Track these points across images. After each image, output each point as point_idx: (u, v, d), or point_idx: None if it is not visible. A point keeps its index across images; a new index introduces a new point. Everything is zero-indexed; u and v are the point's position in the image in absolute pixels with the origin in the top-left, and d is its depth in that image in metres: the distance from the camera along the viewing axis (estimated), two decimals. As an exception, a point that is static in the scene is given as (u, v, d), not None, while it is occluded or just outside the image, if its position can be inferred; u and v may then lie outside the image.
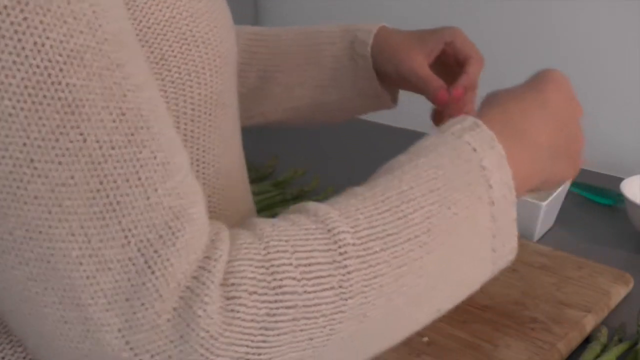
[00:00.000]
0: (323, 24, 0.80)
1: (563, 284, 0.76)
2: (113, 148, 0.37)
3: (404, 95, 1.48)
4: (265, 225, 0.43)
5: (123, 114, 0.37)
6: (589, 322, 0.70)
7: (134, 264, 0.37)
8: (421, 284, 0.45)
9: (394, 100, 0.82)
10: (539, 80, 0.61)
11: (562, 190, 0.91)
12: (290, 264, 0.41)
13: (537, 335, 0.67)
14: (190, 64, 0.46)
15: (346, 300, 0.42)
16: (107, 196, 0.36)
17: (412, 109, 1.48)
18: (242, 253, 0.41)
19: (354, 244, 0.42)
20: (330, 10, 1.52)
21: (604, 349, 0.67)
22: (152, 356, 0.37)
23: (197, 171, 0.49)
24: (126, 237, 0.37)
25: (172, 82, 0.46)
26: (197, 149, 0.49)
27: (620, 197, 0.96)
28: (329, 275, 0.41)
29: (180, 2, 0.46)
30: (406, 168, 0.49)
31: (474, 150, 0.48)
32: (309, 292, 0.40)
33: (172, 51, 0.45)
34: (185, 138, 0.47)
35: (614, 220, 0.96)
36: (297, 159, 1.18)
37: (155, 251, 0.37)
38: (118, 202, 0.37)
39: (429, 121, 1.44)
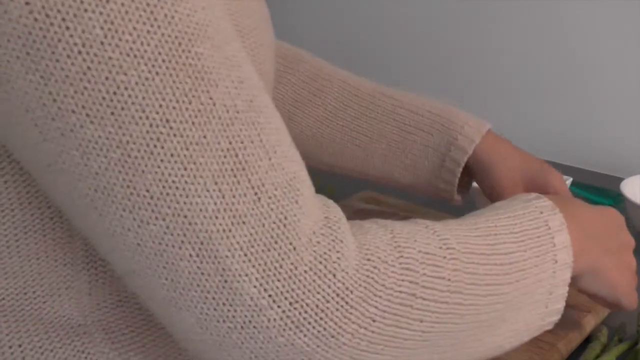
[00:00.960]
0: (422, 100, 0.78)
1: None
2: (238, 112, 0.40)
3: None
4: (383, 221, 0.48)
5: (241, 82, 0.41)
6: (589, 322, 0.70)
7: (266, 219, 0.40)
8: (499, 311, 0.50)
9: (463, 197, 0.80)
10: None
11: (562, 190, 0.91)
12: (413, 248, 0.46)
13: (537, 335, 0.67)
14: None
15: (451, 293, 0.47)
16: (237, 155, 0.40)
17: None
18: (371, 231, 0.46)
19: (456, 248, 0.48)
20: (331, 11, 1.52)
21: (604, 349, 0.67)
22: (290, 303, 0.40)
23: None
24: (256, 193, 0.40)
25: None
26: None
27: (620, 197, 0.96)
28: (442, 267, 0.46)
29: (231, 15, 0.47)
30: (490, 214, 0.54)
31: (543, 215, 0.55)
32: (427, 275, 0.45)
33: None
34: None
35: (614, 220, 0.96)
36: (297, 159, 1.18)
37: (283, 207, 0.41)
38: (246, 161, 0.40)
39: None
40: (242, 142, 0.40)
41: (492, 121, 1.31)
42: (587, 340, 0.69)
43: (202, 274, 0.40)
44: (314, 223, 0.42)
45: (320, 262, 0.41)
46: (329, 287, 0.41)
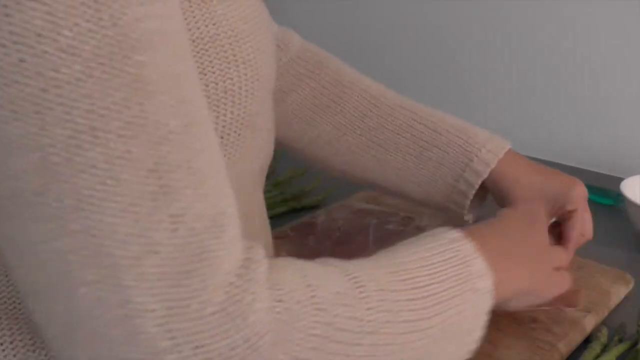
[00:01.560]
0: (442, 116, 0.79)
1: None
2: (171, 132, 0.37)
3: (403, 96, 1.48)
4: (295, 259, 0.46)
5: (181, 103, 0.38)
6: (589, 322, 0.70)
7: (181, 251, 0.37)
8: (424, 346, 0.48)
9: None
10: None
11: (562, 190, 0.91)
12: (326, 288, 0.43)
13: (537, 335, 0.67)
14: (227, 82, 0.47)
15: (366, 334, 0.44)
16: (161, 178, 0.37)
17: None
18: (283, 269, 0.43)
19: (368, 287, 0.46)
20: (330, 11, 1.52)
21: (604, 349, 0.67)
22: (194, 347, 0.37)
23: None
24: (175, 222, 0.37)
25: (208, 98, 0.46)
26: (226, 167, 0.50)
27: (620, 197, 0.96)
28: (354, 306, 0.44)
29: (226, 21, 0.47)
30: (399, 250, 0.53)
31: (455, 246, 0.54)
32: (340, 316, 0.43)
33: (212, 67, 0.46)
34: None
35: (614, 220, 0.96)
36: (297, 159, 1.18)
37: (202, 241, 0.38)
38: (170, 187, 0.37)
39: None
40: (169, 165, 0.37)
41: (492, 121, 1.31)
42: (587, 340, 0.69)
43: (102, 303, 0.36)
44: (233, 262, 0.39)
45: (232, 304, 0.38)
46: (238, 332, 0.38)
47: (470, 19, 1.30)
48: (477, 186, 0.72)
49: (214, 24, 0.46)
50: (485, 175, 0.72)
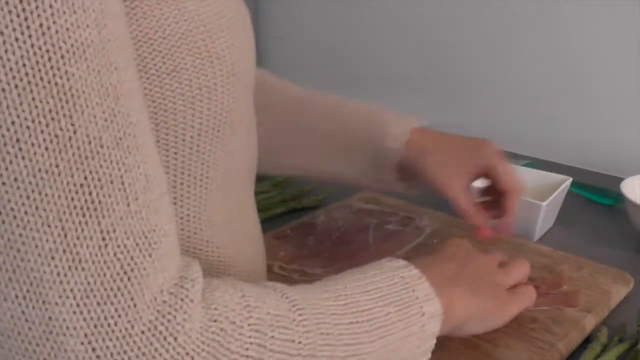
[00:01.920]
0: (351, 101, 0.80)
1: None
2: (102, 147, 0.36)
3: (403, 96, 1.49)
4: (233, 280, 0.46)
5: (114, 116, 0.37)
6: (589, 322, 0.70)
7: (108, 268, 0.36)
8: None
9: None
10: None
11: (562, 190, 0.91)
12: (263, 309, 0.43)
13: (537, 335, 0.67)
14: (202, 78, 0.47)
15: (303, 357, 0.44)
16: (90, 193, 0.36)
17: (411, 109, 1.47)
18: (220, 288, 0.42)
19: (306, 309, 0.46)
20: (330, 11, 1.52)
21: (604, 349, 0.67)
22: None
23: (201, 186, 0.50)
24: (104, 238, 0.36)
25: (182, 95, 0.46)
26: (202, 164, 0.49)
27: (620, 197, 0.96)
28: (292, 329, 0.44)
29: (198, 17, 0.46)
30: (340, 278, 0.53)
31: (399, 272, 0.55)
32: (276, 338, 0.42)
33: (185, 64, 0.46)
34: (190, 152, 0.48)
35: (614, 220, 0.96)
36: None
37: (132, 258, 0.37)
38: (100, 202, 0.36)
39: (427, 121, 1.44)
40: (99, 180, 0.36)
41: (492, 121, 1.31)
42: (587, 340, 0.69)
43: (26, 320, 0.36)
44: (165, 281, 0.39)
45: (162, 323, 0.37)
46: (167, 351, 0.37)
47: (471, 19, 1.30)
48: (395, 162, 0.75)
49: (185, 20, 0.45)
50: (402, 150, 0.74)
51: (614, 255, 0.86)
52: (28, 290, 0.35)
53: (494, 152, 0.75)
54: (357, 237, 0.87)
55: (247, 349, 0.41)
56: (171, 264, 0.40)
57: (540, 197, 0.89)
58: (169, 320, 0.38)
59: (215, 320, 0.40)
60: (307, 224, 0.91)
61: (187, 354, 0.38)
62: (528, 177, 0.95)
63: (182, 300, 0.39)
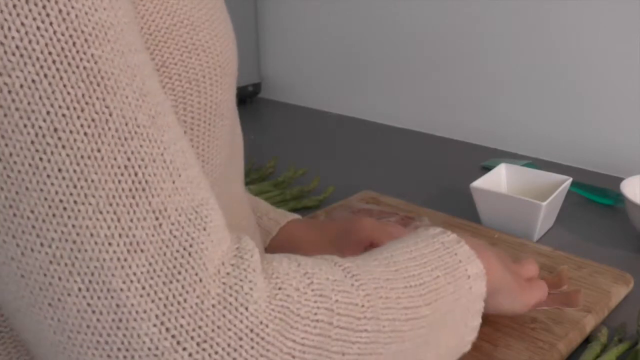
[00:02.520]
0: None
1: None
2: (138, 126, 0.36)
3: (403, 96, 1.49)
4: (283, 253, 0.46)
5: (145, 95, 0.37)
6: (589, 322, 0.70)
7: (167, 246, 0.36)
8: (422, 336, 0.48)
9: None
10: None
11: (562, 190, 0.91)
12: (321, 275, 0.43)
13: (537, 335, 0.67)
14: (190, 72, 0.47)
15: (368, 319, 0.44)
16: (136, 174, 0.36)
17: (411, 109, 1.48)
18: (275, 259, 0.43)
19: (361, 275, 0.46)
20: (329, 11, 1.52)
21: (604, 349, 0.67)
22: (198, 344, 0.36)
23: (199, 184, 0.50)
24: (157, 218, 0.36)
25: (173, 90, 0.46)
26: (202, 160, 0.49)
27: (620, 197, 0.96)
28: (352, 293, 0.44)
29: (180, 10, 0.46)
30: (383, 248, 0.53)
31: (437, 239, 0.55)
32: (340, 302, 0.42)
33: (173, 59, 0.46)
34: None
35: (614, 220, 0.96)
36: (297, 159, 1.18)
37: (188, 234, 0.37)
38: (147, 181, 0.36)
39: (428, 121, 1.45)
40: (142, 160, 0.36)
41: (492, 121, 1.31)
42: (587, 340, 0.69)
43: (93, 311, 0.35)
44: (224, 252, 0.39)
45: (231, 295, 0.37)
46: (242, 322, 0.37)
47: (471, 19, 1.30)
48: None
49: (168, 15, 0.45)
50: (265, 245, 0.72)
51: (614, 255, 0.86)
52: (90, 281, 0.35)
53: (370, 225, 0.73)
54: (357, 237, 0.87)
55: (315, 314, 0.40)
56: (225, 236, 0.40)
57: (540, 197, 0.89)
58: (237, 291, 0.37)
59: (280, 288, 0.40)
60: (307, 224, 0.91)
61: (261, 322, 0.38)
62: (528, 177, 0.96)
63: (245, 270, 0.38)
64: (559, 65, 1.21)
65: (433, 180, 1.12)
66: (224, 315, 0.37)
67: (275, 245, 0.72)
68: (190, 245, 0.37)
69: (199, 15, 0.48)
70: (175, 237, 0.36)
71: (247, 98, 1.60)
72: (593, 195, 1.03)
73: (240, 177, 0.60)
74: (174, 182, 0.37)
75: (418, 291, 0.49)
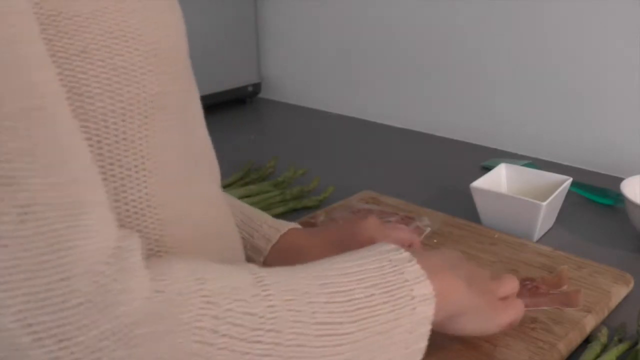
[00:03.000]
0: (232, 198, 0.76)
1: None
2: (6, 119, 0.35)
3: (403, 96, 1.49)
4: (193, 257, 0.45)
5: (22, 87, 0.36)
6: (589, 322, 0.70)
7: (32, 242, 0.36)
8: (344, 353, 0.47)
9: None
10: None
11: (562, 190, 0.91)
12: (219, 281, 0.42)
13: (537, 335, 0.67)
14: (117, 58, 0.45)
15: (266, 331, 0.43)
16: (2, 168, 0.35)
17: (411, 109, 1.48)
18: (171, 261, 0.42)
19: (274, 285, 0.45)
20: (329, 11, 1.52)
21: (604, 349, 0.67)
22: (59, 341, 0.35)
23: (137, 179, 0.47)
24: (24, 213, 0.35)
25: (96, 77, 0.44)
26: (134, 153, 0.47)
27: (620, 197, 0.96)
28: (252, 302, 0.43)
29: None
30: (321, 261, 0.52)
31: (387, 255, 0.53)
32: (233, 310, 0.42)
33: (96, 44, 0.44)
34: (117, 139, 0.46)
35: (614, 220, 0.96)
36: (297, 159, 1.18)
37: (56, 230, 0.36)
38: (13, 177, 0.35)
39: (428, 121, 1.45)
40: (9, 154, 0.35)
41: (492, 121, 1.31)
42: (587, 340, 0.69)
43: None
44: (99, 251, 0.38)
45: (100, 294, 0.37)
46: (109, 322, 0.36)
47: (471, 19, 1.30)
48: (260, 264, 0.70)
49: (91, 0, 0.44)
50: (265, 253, 0.70)
51: (614, 255, 0.86)
52: None
53: (373, 225, 0.71)
54: (357, 237, 0.87)
55: (199, 320, 0.40)
56: (104, 234, 0.39)
57: (540, 197, 0.89)
58: (107, 291, 0.37)
59: (160, 291, 0.39)
60: (307, 224, 0.91)
61: (127, 325, 0.37)
62: (528, 177, 0.96)
63: (119, 271, 0.38)
64: (559, 66, 1.21)
65: (433, 180, 1.12)
66: (89, 315, 0.36)
67: (276, 252, 0.71)
68: (58, 242, 0.36)
69: (130, 2, 0.46)
70: (41, 233, 0.36)
71: (247, 98, 1.60)
72: (593, 195, 1.03)
73: (212, 179, 0.58)
74: (47, 178, 0.37)
75: (343, 307, 0.48)
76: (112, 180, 0.45)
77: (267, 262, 0.71)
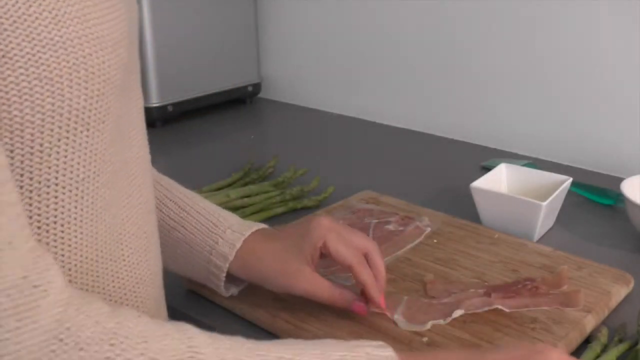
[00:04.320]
0: (198, 198, 0.75)
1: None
2: None
3: (403, 96, 1.48)
4: (128, 309, 0.45)
5: None
6: (589, 322, 0.70)
7: None
8: None
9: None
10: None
11: (562, 190, 0.91)
12: (134, 345, 0.43)
13: (537, 335, 0.67)
14: (41, 68, 0.43)
15: None
16: None
17: (411, 109, 1.48)
18: (91, 313, 0.42)
19: (205, 353, 0.44)
20: (329, 11, 1.52)
21: (604, 349, 0.67)
22: None
23: (47, 193, 0.45)
24: None
25: (17, 85, 0.42)
26: (49, 167, 0.45)
27: (620, 197, 0.96)
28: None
29: (44, 1, 0.43)
30: (290, 343, 0.50)
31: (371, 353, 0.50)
32: None
33: (20, 50, 0.42)
34: (31, 151, 0.44)
35: (614, 220, 0.96)
36: (297, 159, 1.18)
37: None
38: None
39: (428, 121, 1.45)
40: None
41: (492, 121, 1.31)
42: (587, 341, 0.69)
43: None
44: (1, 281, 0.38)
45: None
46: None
47: (472, 19, 1.30)
48: (225, 270, 0.70)
49: (24, 3, 0.42)
50: (231, 258, 0.69)
51: (614, 255, 0.86)
52: None
53: (325, 225, 0.68)
54: (357, 237, 0.87)
55: None
56: (8, 265, 0.39)
57: (540, 197, 0.89)
58: (0, 326, 0.38)
59: (60, 340, 0.40)
60: (307, 224, 0.91)
61: None
62: (528, 177, 0.96)
63: (17, 307, 0.39)
64: (559, 66, 1.21)
65: (433, 180, 1.12)
66: None
67: (239, 258, 0.70)
68: None
69: (69, 11, 0.44)
70: None
71: (247, 98, 1.60)
72: (593, 195, 1.03)
73: (141, 201, 0.55)
74: None
75: None
76: (28, 193, 0.44)
77: (231, 268, 0.70)
